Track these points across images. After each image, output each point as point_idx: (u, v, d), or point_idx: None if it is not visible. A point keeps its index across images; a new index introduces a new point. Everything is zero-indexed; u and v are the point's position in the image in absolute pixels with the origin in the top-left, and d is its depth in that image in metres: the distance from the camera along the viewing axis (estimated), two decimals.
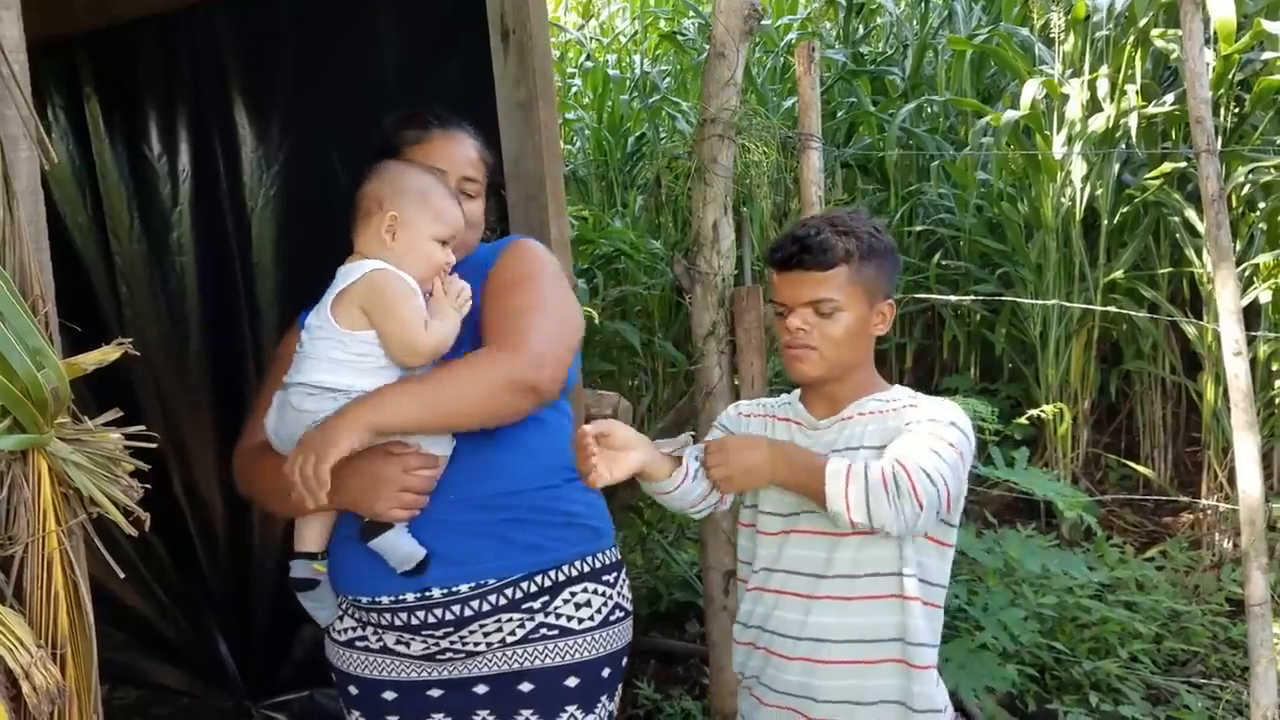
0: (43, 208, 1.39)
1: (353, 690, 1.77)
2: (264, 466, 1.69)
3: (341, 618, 1.77)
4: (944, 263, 4.64)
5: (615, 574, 1.78)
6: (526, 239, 1.85)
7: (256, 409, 1.79)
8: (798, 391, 1.73)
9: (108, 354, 1.38)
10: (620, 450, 1.53)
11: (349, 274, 1.61)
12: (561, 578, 1.69)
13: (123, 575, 1.45)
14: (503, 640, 1.67)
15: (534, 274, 1.73)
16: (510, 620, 1.65)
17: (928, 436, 1.52)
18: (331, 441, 1.48)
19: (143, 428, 1.41)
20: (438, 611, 1.63)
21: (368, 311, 1.59)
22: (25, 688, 1.22)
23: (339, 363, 1.59)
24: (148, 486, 1.40)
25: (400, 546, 1.60)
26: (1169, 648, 3.18)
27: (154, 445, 1.40)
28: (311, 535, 1.72)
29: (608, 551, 1.79)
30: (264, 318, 3.00)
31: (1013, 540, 2.86)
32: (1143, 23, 3.90)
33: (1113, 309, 3.91)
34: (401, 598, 1.63)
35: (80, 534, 1.36)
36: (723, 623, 2.49)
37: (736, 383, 2.49)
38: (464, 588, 1.62)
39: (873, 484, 1.45)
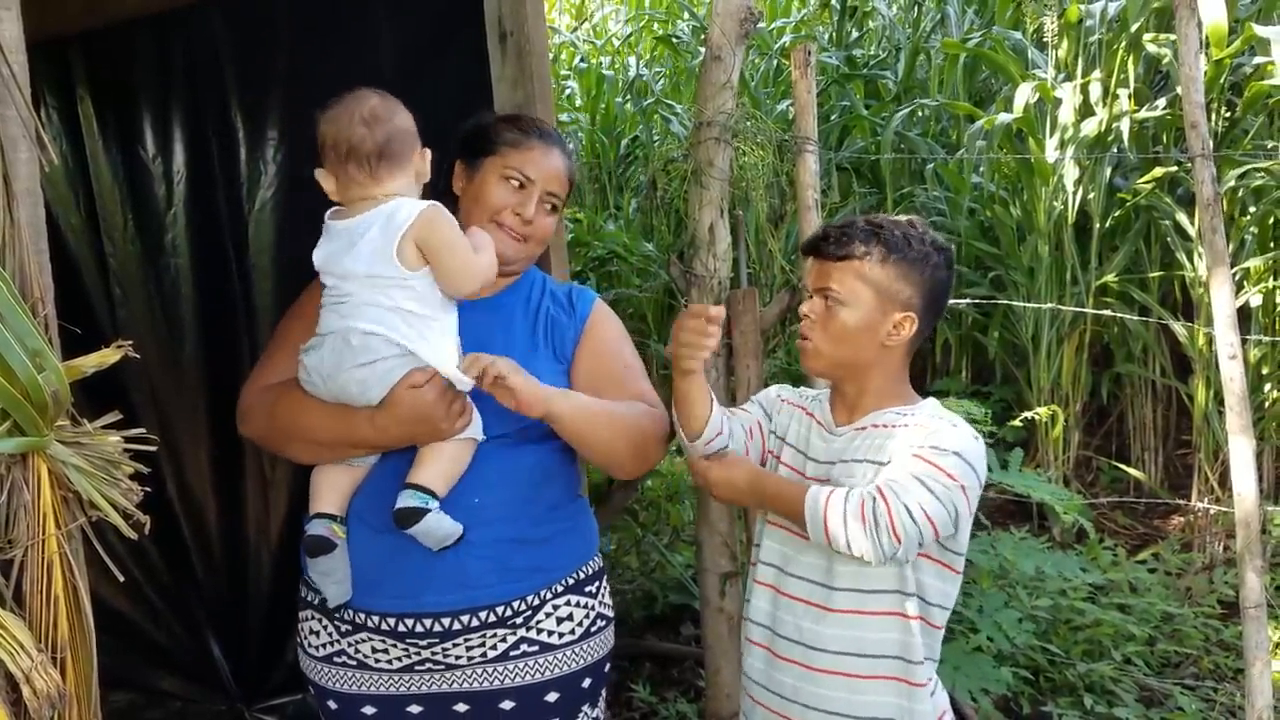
0: (42, 209, 1.39)
1: (332, 705, 1.76)
2: (295, 402, 1.66)
3: (317, 633, 1.75)
4: None
5: (597, 583, 1.80)
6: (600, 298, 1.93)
7: (274, 352, 1.79)
8: (828, 391, 1.73)
9: (108, 356, 1.38)
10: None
11: (399, 215, 1.58)
12: (549, 594, 1.70)
13: (121, 578, 1.45)
14: (484, 655, 1.67)
15: (628, 342, 1.93)
16: (494, 635, 1.66)
17: (923, 465, 1.48)
18: (527, 383, 1.58)
19: (142, 430, 1.40)
20: (426, 621, 1.63)
21: (424, 248, 1.58)
22: (26, 692, 1.22)
23: (394, 308, 1.58)
24: (147, 489, 1.40)
25: (441, 527, 1.58)
26: (1162, 650, 3.19)
27: (153, 448, 1.40)
28: (331, 496, 1.68)
29: (592, 561, 1.81)
30: (259, 320, 2.98)
31: (1007, 542, 2.87)
32: (1135, 27, 3.91)
33: (1104, 312, 3.93)
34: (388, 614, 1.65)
35: (80, 537, 1.35)
36: (718, 625, 2.49)
37: (732, 385, 2.49)
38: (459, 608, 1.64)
39: (850, 516, 1.45)
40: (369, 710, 1.72)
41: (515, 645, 1.68)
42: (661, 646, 3.39)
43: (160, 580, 3.32)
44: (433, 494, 1.59)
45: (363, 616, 1.67)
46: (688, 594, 3.42)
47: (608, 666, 1.83)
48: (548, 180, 1.77)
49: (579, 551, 1.78)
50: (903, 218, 1.65)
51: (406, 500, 1.58)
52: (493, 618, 1.65)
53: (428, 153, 1.66)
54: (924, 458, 1.48)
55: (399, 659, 1.68)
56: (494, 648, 1.67)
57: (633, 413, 1.74)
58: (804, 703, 1.60)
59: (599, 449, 1.71)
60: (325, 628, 1.73)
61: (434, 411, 1.57)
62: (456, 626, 1.63)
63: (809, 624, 1.60)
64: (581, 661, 1.74)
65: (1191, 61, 2.23)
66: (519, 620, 1.67)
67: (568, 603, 1.72)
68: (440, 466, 1.61)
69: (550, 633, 1.70)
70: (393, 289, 1.57)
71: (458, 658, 1.66)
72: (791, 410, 1.74)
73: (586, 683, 1.76)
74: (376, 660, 1.69)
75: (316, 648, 1.75)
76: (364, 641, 1.68)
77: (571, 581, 1.74)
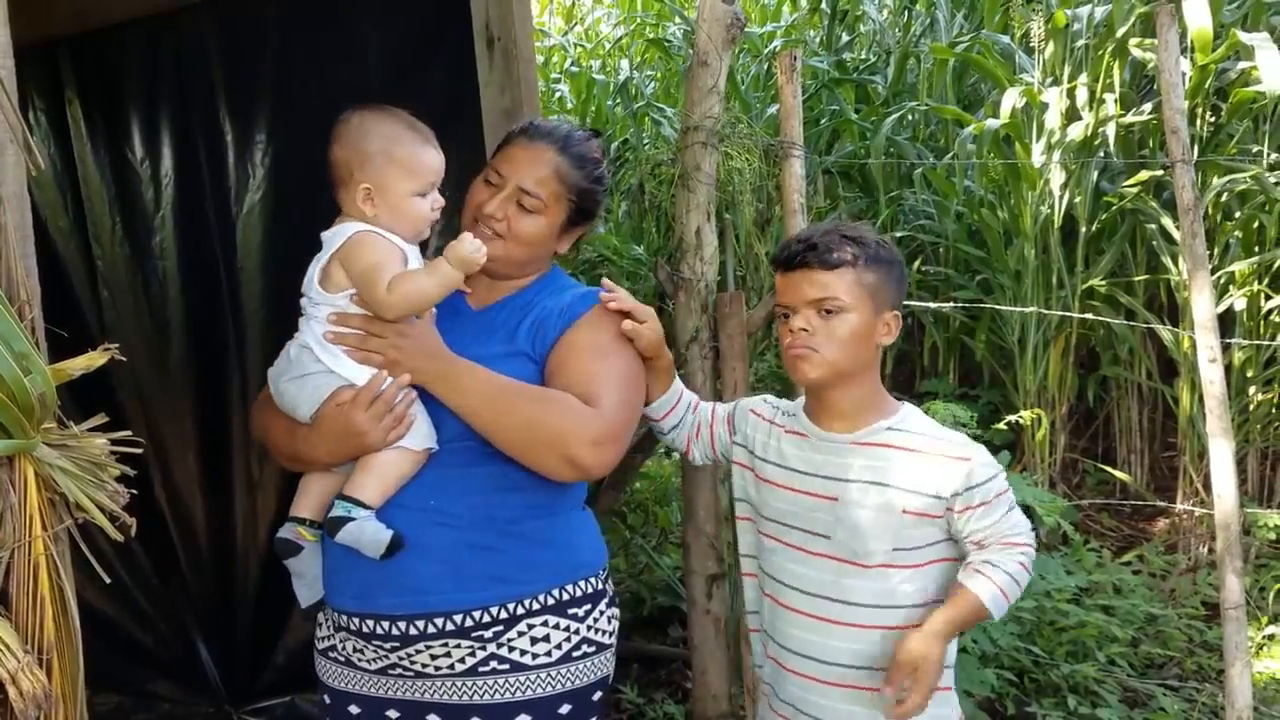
0: (29, 213, 1.40)
1: (326, 700, 1.77)
2: (268, 416, 1.74)
3: (321, 624, 1.78)
4: (925, 269, 4.68)
5: (589, 605, 1.70)
6: None
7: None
8: (800, 401, 1.74)
9: (94, 359, 1.39)
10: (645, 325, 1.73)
11: (334, 238, 1.63)
12: (520, 610, 1.63)
13: (108, 580, 1.46)
14: (450, 667, 1.64)
15: (623, 348, 1.73)
16: (459, 648, 1.62)
17: (1003, 504, 1.58)
18: (418, 359, 1.60)
19: (128, 433, 1.41)
20: (385, 624, 1.62)
21: (345, 269, 1.62)
22: (12, 693, 1.23)
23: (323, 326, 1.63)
24: (134, 492, 1.41)
25: (364, 534, 1.58)
26: (1146, 651, 3.21)
27: (139, 450, 1.41)
28: (308, 500, 1.71)
29: (586, 581, 1.71)
30: (247, 322, 2.99)
31: None
32: (1121, 32, 3.94)
33: (1090, 315, 3.95)
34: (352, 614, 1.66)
35: (66, 540, 1.36)
36: (705, 627, 2.50)
37: (719, 388, 2.50)
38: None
39: (1020, 581, 1.55)
40: (354, 709, 1.73)
41: (485, 661, 1.63)
42: (649, 648, 3.40)
43: (148, 582, 3.32)
44: (360, 503, 1.59)
45: (336, 615, 1.69)
46: (675, 595, 3.43)
47: (598, 695, 1.72)
48: (522, 178, 1.72)
49: (561, 569, 1.68)
50: (848, 222, 1.72)
51: (333, 510, 1.60)
52: (450, 626, 1.60)
53: (368, 187, 1.62)
54: (988, 501, 1.57)
55: (373, 660, 1.69)
56: (462, 660, 1.63)
57: (546, 397, 1.62)
58: (818, 716, 1.63)
59: (498, 433, 1.60)
60: (326, 621, 1.76)
61: (359, 427, 1.57)
62: (413, 631, 1.61)
63: (819, 639, 1.62)
64: (559, 686, 1.65)
65: (1171, 67, 2.25)
66: (486, 634, 1.62)
67: (545, 623, 1.64)
68: (369, 477, 1.61)
69: (523, 652, 1.63)
70: (323, 307, 1.62)
71: (424, 666, 1.64)
72: (758, 422, 1.76)
73: (565, 709, 1.66)
74: (358, 659, 1.70)
75: (319, 639, 1.78)
76: (347, 639, 1.70)
77: (552, 601, 1.66)
